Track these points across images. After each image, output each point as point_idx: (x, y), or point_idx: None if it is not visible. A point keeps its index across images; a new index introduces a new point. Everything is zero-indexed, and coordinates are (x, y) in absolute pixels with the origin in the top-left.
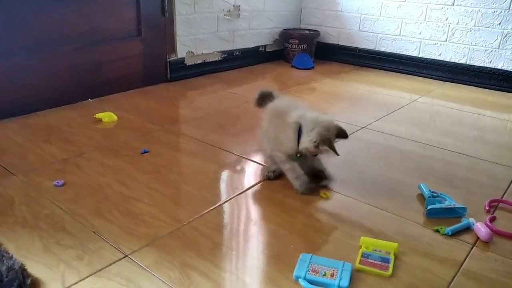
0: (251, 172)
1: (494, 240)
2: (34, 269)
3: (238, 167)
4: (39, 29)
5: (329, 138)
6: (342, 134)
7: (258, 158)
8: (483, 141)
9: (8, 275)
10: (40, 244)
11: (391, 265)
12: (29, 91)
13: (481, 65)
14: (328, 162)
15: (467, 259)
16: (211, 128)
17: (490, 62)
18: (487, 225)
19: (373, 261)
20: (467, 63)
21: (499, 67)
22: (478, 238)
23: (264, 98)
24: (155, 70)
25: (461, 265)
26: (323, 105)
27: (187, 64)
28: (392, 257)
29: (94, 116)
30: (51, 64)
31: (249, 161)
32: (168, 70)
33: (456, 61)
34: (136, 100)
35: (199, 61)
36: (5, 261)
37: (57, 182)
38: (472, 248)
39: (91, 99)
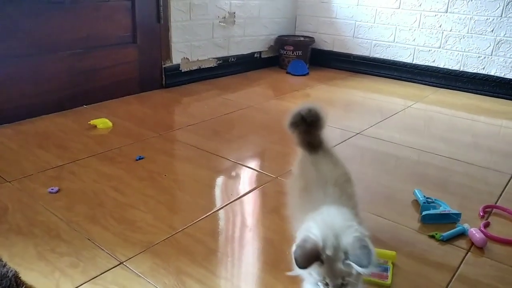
0: (246, 179)
1: (488, 245)
2: (29, 277)
3: (233, 174)
4: (34, 35)
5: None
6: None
7: (253, 164)
8: (477, 147)
9: (1, 282)
10: (35, 252)
11: (390, 274)
12: (24, 97)
13: (475, 71)
14: None
15: (462, 265)
16: (206, 134)
17: (483, 68)
18: (481, 231)
19: None
20: (460, 70)
21: (492, 73)
22: (472, 243)
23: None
24: (151, 77)
25: (456, 271)
26: None
27: (183, 71)
28: (390, 265)
29: (89, 122)
30: (46, 70)
31: (244, 167)
32: (164, 76)
33: (450, 67)
34: (131, 107)
35: (195, 68)
36: None
37: (52, 189)
38: (466, 253)
39: (86, 105)
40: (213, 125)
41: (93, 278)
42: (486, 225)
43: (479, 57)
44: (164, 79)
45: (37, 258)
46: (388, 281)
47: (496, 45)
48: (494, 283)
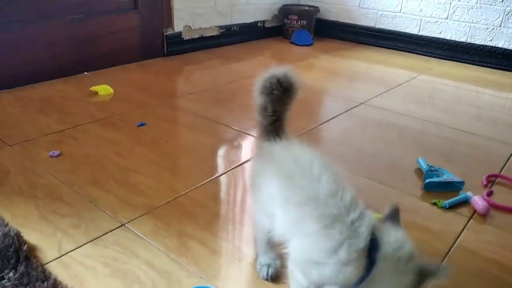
0: (248, 146)
1: (491, 213)
2: (31, 237)
3: (236, 141)
4: (35, 0)
5: None
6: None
7: (255, 132)
8: (482, 118)
9: (4, 241)
10: (37, 213)
11: None
12: (25, 64)
13: (482, 43)
14: (326, 138)
15: (463, 232)
16: (209, 102)
17: (491, 40)
18: (484, 199)
19: None
20: (467, 41)
21: (500, 45)
22: (475, 211)
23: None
24: (152, 44)
25: (457, 237)
26: (322, 81)
27: (185, 39)
28: None
29: (90, 88)
30: (47, 36)
31: (246, 135)
32: (165, 44)
33: (457, 39)
34: (133, 74)
35: (197, 36)
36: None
37: (53, 153)
38: (469, 220)
39: (87, 72)
40: (216, 93)
41: (95, 239)
42: (489, 194)
43: (487, 28)
44: (165, 47)
45: (39, 219)
46: None
47: (506, 16)
48: (495, 249)
